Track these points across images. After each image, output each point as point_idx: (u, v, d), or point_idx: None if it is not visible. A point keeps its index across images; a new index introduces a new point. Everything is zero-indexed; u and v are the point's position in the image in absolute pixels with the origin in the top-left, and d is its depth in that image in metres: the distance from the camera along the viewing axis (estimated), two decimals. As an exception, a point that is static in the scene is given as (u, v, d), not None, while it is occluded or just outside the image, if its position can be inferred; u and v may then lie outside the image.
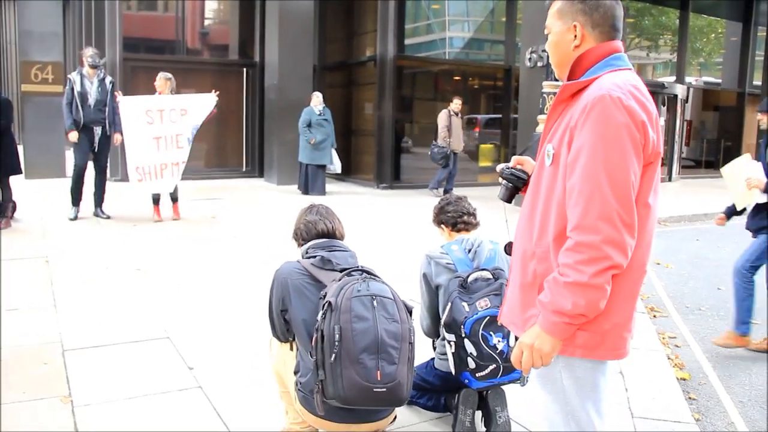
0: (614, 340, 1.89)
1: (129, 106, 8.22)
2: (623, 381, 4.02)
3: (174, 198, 8.79)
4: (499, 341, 2.96)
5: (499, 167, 2.28)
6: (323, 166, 11.89)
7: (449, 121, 12.00)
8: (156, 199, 8.66)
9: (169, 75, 8.65)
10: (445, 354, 3.14)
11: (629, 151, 1.77)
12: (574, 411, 1.94)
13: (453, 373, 3.10)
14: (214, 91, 8.65)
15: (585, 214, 1.74)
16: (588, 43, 1.95)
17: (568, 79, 1.97)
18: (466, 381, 3.04)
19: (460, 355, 3.01)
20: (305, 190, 11.78)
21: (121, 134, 8.16)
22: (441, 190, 12.06)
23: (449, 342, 3.05)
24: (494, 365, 2.97)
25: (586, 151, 1.77)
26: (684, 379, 4.23)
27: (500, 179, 2.27)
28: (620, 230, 1.73)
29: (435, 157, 12.14)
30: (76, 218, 8.26)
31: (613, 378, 4.05)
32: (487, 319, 2.96)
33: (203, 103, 8.56)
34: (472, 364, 2.98)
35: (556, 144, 1.91)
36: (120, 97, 8.23)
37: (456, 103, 12.15)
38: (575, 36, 1.95)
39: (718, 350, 4.82)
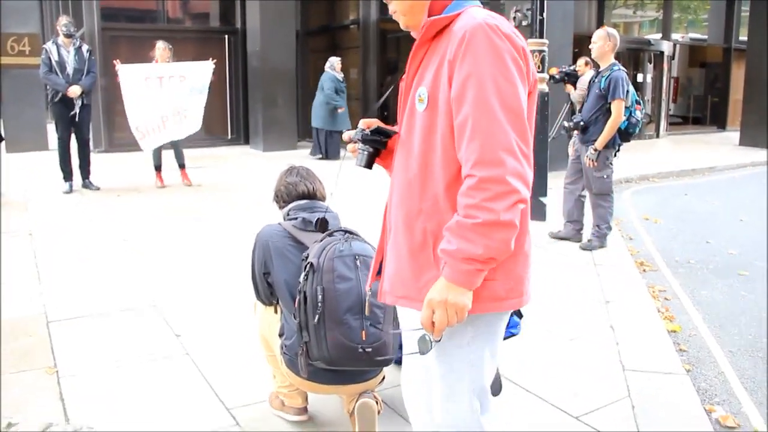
0: (522, 285, 1.77)
1: (128, 74, 8.29)
2: (614, 335, 4.02)
3: (181, 164, 8.87)
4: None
5: (348, 135, 2.03)
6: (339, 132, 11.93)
7: None
8: (158, 166, 8.74)
9: (169, 44, 8.69)
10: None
11: (517, 77, 1.63)
12: (482, 373, 1.82)
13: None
14: (211, 59, 8.66)
15: (485, 147, 1.58)
16: None
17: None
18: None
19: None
20: (326, 154, 11.73)
21: (84, 88, 8.01)
22: None
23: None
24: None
25: (475, 80, 1.60)
26: (674, 332, 4.23)
27: (354, 145, 2.01)
28: (521, 161, 1.60)
29: None
30: (71, 191, 8.18)
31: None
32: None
33: (201, 71, 8.65)
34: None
35: (430, 85, 1.72)
36: (119, 66, 8.26)
37: None
38: None
39: (708, 302, 4.82)
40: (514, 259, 1.71)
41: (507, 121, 1.59)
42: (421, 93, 1.74)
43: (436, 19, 1.73)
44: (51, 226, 6.48)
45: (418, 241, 1.76)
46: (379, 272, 2.00)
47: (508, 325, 2.93)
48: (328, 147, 11.84)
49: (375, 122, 2.01)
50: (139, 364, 3.51)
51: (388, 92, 2.30)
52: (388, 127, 1.98)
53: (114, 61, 8.36)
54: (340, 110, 11.59)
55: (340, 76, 11.79)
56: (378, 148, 1.97)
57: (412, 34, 1.88)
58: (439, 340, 1.69)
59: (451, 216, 1.66)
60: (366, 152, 1.97)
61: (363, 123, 2.01)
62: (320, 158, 11.68)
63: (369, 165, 1.99)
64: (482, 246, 1.58)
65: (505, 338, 3.01)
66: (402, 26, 1.87)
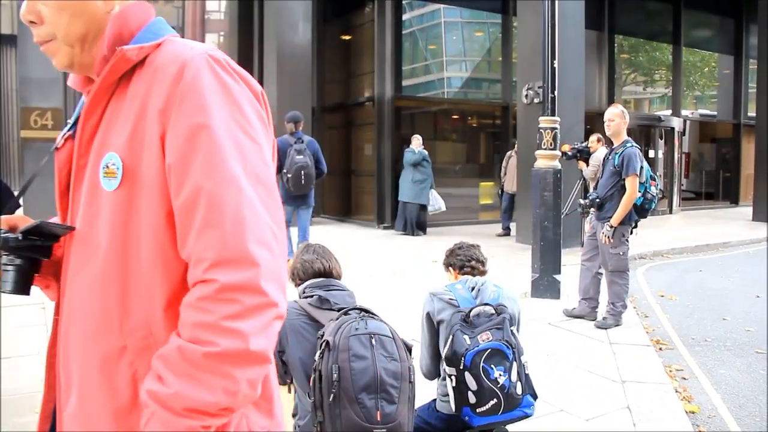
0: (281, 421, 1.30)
1: None
2: (631, 416, 3.95)
3: None
4: (500, 375, 2.91)
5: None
6: (424, 206, 11.98)
7: (506, 162, 12.32)
8: None
9: None
10: (447, 395, 3.08)
11: (261, 133, 1.18)
12: None
13: (453, 409, 3.03)
14: None
15: (229, 237, 1.06)
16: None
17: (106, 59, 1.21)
18: (467, 418, 2.98)
19: (460, 389, 2.96)
20: (410, 230, 11.90)
21: None
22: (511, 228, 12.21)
23: (450, 376, 3.00)
24: (495, 400, 2.91)
25: (205, 137, 1.09)
26: (693, 413, 4.15)
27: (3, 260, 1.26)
28: (278, 257, 1.11)
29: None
30: None
31: None
32: (488, 351, 2.91)
33: None
34: (472, 399, 2.91)
35: (124, 149, 1.15)
36: None
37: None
38: None
39: (727, 382, 4.74)
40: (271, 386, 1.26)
41: (257, 197, 1.11)
42: (111, 162, 1.16)
43: (130, 49, 1.18)
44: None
45: (126, 398, 1.16)
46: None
47: (521, 405, 2.93)
48: (411, 221, 12.00)
49: (15, 220, 1.31)
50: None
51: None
52: (51, 224, 1.25)
53: None
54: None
55: (418, 150, 11.97)
56: (37, 258, 1.26)
57: (71, 82, 1.36)
58: None
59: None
60: (15, 268, 1.24)
61: (2, 222, 1.29)
62: (402, 234, 11.93)
63: (23, 288, 1.25)
64: (220, 390, 1.03)
65: (518, 418, 3.00)
66: (58, 65, 1.27)
